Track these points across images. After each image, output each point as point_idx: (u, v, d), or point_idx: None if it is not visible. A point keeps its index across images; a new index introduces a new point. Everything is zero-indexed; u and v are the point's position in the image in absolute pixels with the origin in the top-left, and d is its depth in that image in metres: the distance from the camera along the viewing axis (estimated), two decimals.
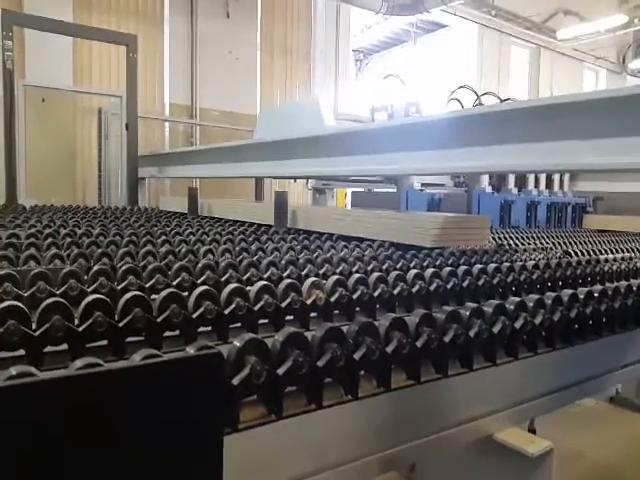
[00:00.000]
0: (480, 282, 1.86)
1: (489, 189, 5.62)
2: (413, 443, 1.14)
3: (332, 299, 1.51)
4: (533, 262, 2.16)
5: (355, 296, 1.56)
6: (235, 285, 1.39)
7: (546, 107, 2.00)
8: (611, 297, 1.66)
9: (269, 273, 1.85)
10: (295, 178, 6.17)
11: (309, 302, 1.47)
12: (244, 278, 1.79)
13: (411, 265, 2.15)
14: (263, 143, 4.01)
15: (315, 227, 3.42)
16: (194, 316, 1.26)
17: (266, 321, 1.40)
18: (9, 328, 1.03)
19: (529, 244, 3.58)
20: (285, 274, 1.88)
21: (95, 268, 1.64)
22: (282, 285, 1.46)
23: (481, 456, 1.33)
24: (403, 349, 1.11)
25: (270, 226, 3.55)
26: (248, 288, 1.42)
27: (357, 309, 1.58)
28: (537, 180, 6.00)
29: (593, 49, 17.29)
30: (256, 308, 1.36)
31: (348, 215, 3.32)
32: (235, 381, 0.88)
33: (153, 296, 1.38)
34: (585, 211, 5.95)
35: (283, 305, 1.41)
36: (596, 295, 1.62)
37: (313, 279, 1.54)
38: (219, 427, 0.79)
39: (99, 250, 2.10)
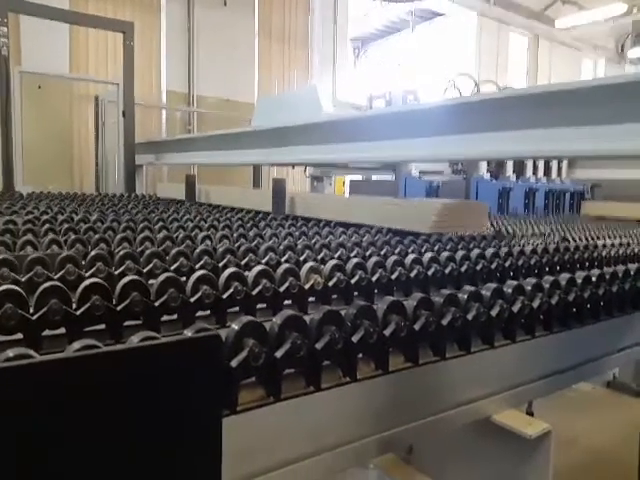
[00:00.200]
0: (478, 267, 1.86)
1: (487, 176, 5.62)
2: (411, 425, 1.14)
3: (330, 284, 1.51)
4: (531, 247, 2.16)
5: (353, 281, 1.56)
6: (233, 269, 1.38)
7: (543, 94, 2.00)
8: (609, 281, 1.67)
9: (267, 258, 1.84)
10: (293, 165, 6.16)
11: (307, 287, 1.46)
12: (242, 263, 1.79)
13: (409, 250, 2.15)
14: (261, 130, 4.00)
15: (313, 214, 3.42)
16: (192, 300, 1.26)
17: (264, 305, 1.40)
18: (6, 312, 1.03)
19: (527, 231, 3.58)
20: (283, 259, 1.88)
21: (92, 253, 1.63)
22: (280, 270, 1.46)
23: (479, 438, 1.34)
24: (401, 332, 1.11)
25: (268, 213, 3.54)
26: (246, 273, 1.42)
27: (355, 294, 1.58)
28: (535, 167, 6.00)
29: (591, 38, 17.23)
30: (254, 292, 1.36)
31: (346, 201, 3.31)
32: (233, 363, 0.88)
33: (151, 281, 1.38)
34: (583, 198, 5.95)
35: (281, 289, 1.41)
36: (594, 279, 1.63)
37: (311, 264, 1.54)
38: (218, 409, 0.79)
39: (96, 236, 2.09)
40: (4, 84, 5.51)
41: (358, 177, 7.72)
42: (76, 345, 0.74)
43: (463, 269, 1.82)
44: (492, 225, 3.46)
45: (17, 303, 1.06)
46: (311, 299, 1.49)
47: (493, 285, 1.38)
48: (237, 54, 10.64)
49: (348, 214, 3.14)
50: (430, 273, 1.73)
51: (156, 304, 1.20)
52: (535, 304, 1.41)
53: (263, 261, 1.82)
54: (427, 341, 1.19)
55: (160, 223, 2.65)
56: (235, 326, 0.92)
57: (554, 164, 6.07)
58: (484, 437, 1.32)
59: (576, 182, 6.04)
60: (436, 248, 2.24)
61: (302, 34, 11.80)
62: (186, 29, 10.08)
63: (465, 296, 1.28)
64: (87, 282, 1.15)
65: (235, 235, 2.37)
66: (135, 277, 1.23)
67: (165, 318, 1.23)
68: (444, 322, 1.19)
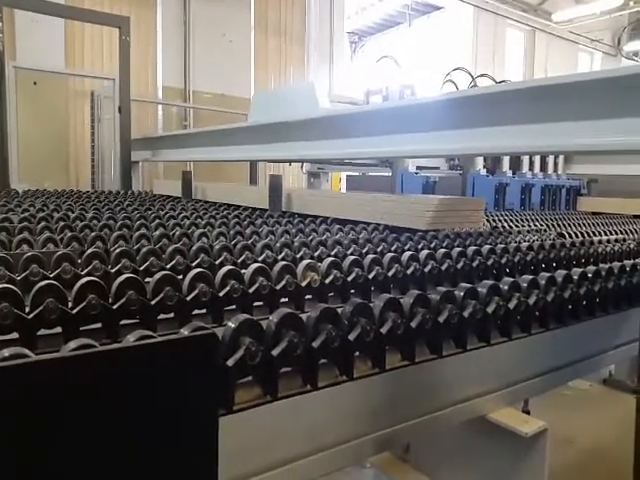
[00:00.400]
0: (474, 264, 1.86)
1: (484, 172, 5.61)
2: (408, 423, 1.14)
3: (327, 281, 1.51)
4: (527, 244, 2.16)
5: (350, 278, 1.56)
6: (230, 267, 1.38)
7: (540, 88, 1.99)
8: (604, 278, 1.67)
9: (264, 256, 1.84)
10: (290, 161, 6.14)
11: (304, 284, 1.47)
12: (239, 261, 1.79)
13: (406, 247, 2.15)
14: (257, 126, 3.98)
15: (310, 210, 3.41)
16: (188, 298, 1.26)
17: (261, 303, 1.40)
18: (2, 311, 1.03)
19: (523, 226, 3.59)
20: (280, 257, 1.87)
21: (89, 251, 1.63)
22: (277, 267, 1.46)
23: (475, 436, 1.34)
24: (398, 330, 1.11)
25: (265, 210, 3.53)
26: (243, 271, 1.42)
27: (352, 291, 1.58)
28: (531, 163, 5.99)
29: (588, 31, 17.21)
30: (251, 290, 1.36)
31: (343, 198, 3.31)
32: (230, 362, 0.88)
33: (147, 279, 1.38)
34: (579, 194, 5.95)
35: (278, 287, 1.41)
36: (589, 275, 1.63)
37: (308, 261, 1.54)
38: (214, 408, 0.79)
39: (93, 234, 2.09)
40: None
41: (355, 173, 7.71)
42: (72, 344, 0.74)
43: (459, 266, 1.82)
44: (488, 222, 3.46)
45: (13, 302, 1.06)
46: (308, 297, 1.49)
47: (489, 282, 1.38)
48: (233, 49, 10.59)
49: (345, 211, 3.13)
50: (427, 270, 1.73)
51: (152, 303, 1.20)
52: (531, 301, 1.41)
53: (260, 259, 1.82)
54: (424, 339, 1.19)
55: (156, 220, 2.65)
56: (232, 324, 0.92)
57: (550, 159, 6.06)
58: (480, 435, 1.32)
59: (572, 177, 6.04)
60: (432, 245, 2.24)
61: (298, 29, 11.74)
62: (182, 24, 10.03)
63: (461, 293, 1.28)
64: (83, 280, 1.15)
65: (232, 232, 2.37)
66: (131, 275, 1.23)
67: (161, 316, 1.23)
68: (441, 319, 1.19)
